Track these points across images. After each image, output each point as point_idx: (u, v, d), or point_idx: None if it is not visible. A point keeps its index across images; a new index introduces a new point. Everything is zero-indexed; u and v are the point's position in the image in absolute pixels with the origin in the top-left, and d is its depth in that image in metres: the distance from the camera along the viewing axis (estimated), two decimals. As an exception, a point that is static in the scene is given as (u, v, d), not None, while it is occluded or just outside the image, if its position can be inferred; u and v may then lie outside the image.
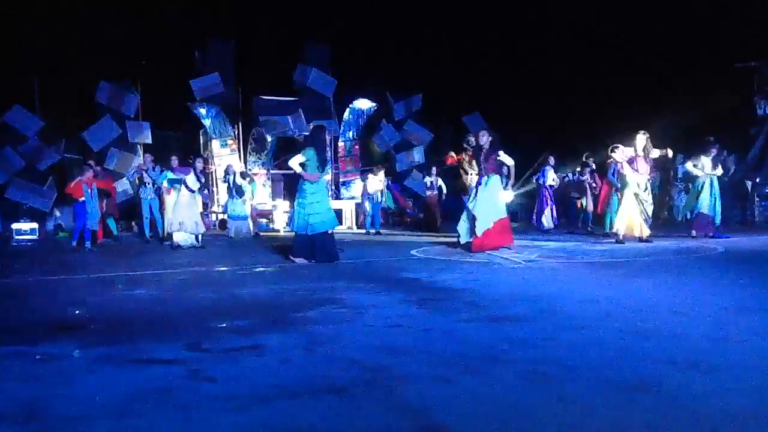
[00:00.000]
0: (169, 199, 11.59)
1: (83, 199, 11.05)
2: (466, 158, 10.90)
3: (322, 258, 8.02)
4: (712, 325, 3.93)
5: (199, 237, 11.10)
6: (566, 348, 3.45)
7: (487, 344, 3.58)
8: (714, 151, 10.90)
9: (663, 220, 15.74)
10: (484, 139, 9.26)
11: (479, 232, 8.84)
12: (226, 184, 13.88)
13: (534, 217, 14.35)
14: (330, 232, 8.26)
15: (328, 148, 8.19)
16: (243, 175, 14.17)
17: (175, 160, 11.95)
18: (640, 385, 2.74)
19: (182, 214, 10.85)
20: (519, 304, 4.80)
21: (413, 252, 9.31)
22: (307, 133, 8.31)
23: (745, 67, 16.31)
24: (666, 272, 6.61)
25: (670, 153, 10.21)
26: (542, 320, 4.21)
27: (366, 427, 2.40)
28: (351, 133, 19.06)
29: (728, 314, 4.26)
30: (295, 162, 8.15)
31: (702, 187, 10.77)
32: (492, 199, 9.06)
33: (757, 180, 15.17)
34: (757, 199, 15.14)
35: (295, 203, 8.43)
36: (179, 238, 10.83)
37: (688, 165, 11.23)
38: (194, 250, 10.51)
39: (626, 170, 9.91)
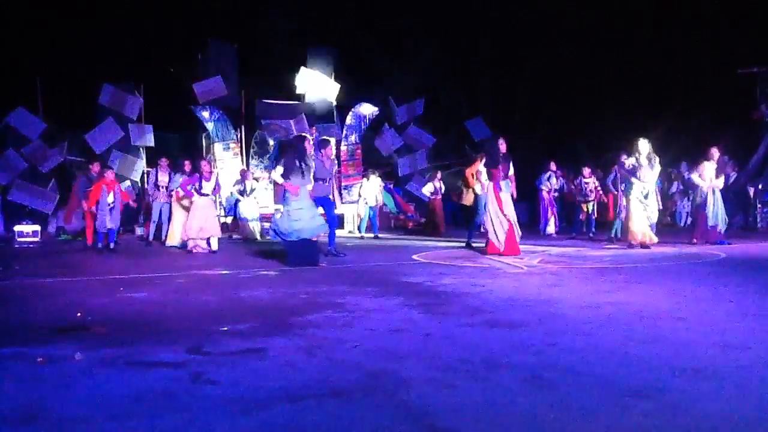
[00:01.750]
0: (183, 203, 11.40)
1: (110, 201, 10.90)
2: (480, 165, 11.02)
3: (304, 262, 8.00)
4: (714, 332, 3.92)
5: (213, 241, 10.77)
6: (567, 353, 3.45)
7: (489, 349, 3.57)
8: (716, 154, 10.88)
9: (665, 225, 15.74)
10: (504, 146, 9.50)
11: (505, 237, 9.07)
12: (238, 187, 13.83)
13: (541, 221, 14.28)
14: (314, 239, 8.28)
15: (305, 157, 8.40)
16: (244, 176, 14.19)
17: (188, 165, 11.74)
18: (642, 391, 2.74)
19: (200, 219, 10.56)
20: (520, 309, 4.80)
21: (415, 256, 9.31)
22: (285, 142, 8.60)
23: (748, 74, 16.30)
24: (668, 278, 6.60)
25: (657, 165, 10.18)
26: (544, 325, 4.20)
27: (367, 430, 2.39)
28: (353, 138, 19.07)
29: (730, 320, 4.25)
30: (277, 174, 8.43)
31: (705, 196, 10.74)
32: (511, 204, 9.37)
33: (760, 186, 15.15)
34: (759, 205, 15.12)
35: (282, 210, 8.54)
36: (196, 243, 10.58)
37: (694, 176, 11.11)
38: (198, 254, 10.40)
39: (633, 178, 9.96)
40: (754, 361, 3.24)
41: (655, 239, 9.92)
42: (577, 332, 3.95)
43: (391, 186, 18.59)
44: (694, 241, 10.60)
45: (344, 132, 18.81)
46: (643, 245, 9.79)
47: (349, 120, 19.09)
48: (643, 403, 2.60)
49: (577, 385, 2.87)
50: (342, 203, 16.50)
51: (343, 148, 19.17)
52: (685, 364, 3.17)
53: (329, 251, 9.32)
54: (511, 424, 2.42)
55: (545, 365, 3.20)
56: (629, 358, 3.33)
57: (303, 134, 9.57)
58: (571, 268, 7.69)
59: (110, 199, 10.84)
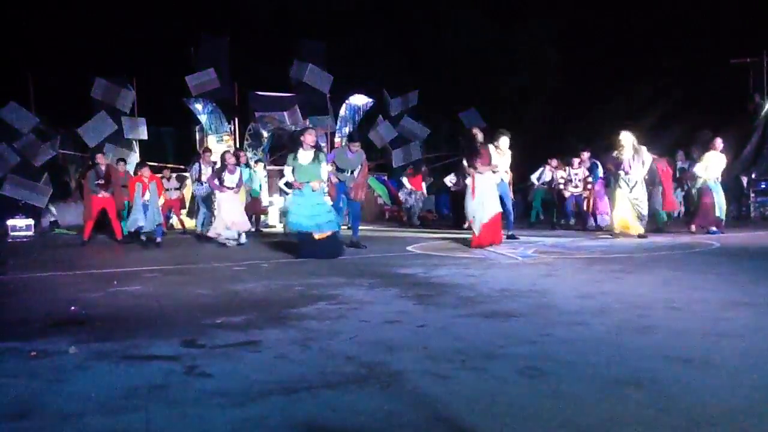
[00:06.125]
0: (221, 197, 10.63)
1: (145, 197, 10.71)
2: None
3: (322, 254, 8.09)
4: (708, 321, 3.94)
5: (243, 235, 10.51)
6: (562, 343, 3.46)
7: (483, 340, 3.58)
8: (720, 144, 10.83)
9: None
10: (480, 135, 9.38)
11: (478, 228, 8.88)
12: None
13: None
14: (323, 234, 8.28)
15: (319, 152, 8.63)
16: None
17: (231, 158, 10.93)
18: (635, 381, 2.75)
19: (228, 213, 10.25)
20: (515, 300, 4.81)
21: (409, 248, 9.31)
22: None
23: (741, 64, 16.33)
24: (662, 268, 6.62)
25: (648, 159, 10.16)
26: (538, 316, 4.21)
27: (362, 422, 2.39)
28: (347, 129, 19.04)
29: (723, 310, 4.27)
30: (288, 172, 8.67)
31: (709, 185, 10.70)
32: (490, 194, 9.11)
33: (753, 176, 15.19)
34: (752, 195, 15.16)
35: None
36: (226, 235, 10.27)
37: (699, 168, 10.97)
38: (192, 247, 10.37)
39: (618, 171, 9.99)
40: (747, 350, 3.25)
41: (641, 230, 9.90)
42: (571, 322, 3.96)
43: (386, 178, 18.58)
44: (693, 229, 10.60)
45: (338, 124, 18.79)
46: (625, 234, 9.92)
47: (342, 111, 19.06)
48: (637, 393, 2.61)
49: (571, 374, 2.88)
50: None
51: (336, 139, 19.16)
52: (679, 353, 3.18)
53: (352, 242, 9.39)
54: (506, 415, 2.42)
55: (540, 355, 3.21)
56: (623, 347, 3.34)
57: (307, 127, 9.75)
58: (565, 258, 7.71)
59: (146, 197, 10.70)
